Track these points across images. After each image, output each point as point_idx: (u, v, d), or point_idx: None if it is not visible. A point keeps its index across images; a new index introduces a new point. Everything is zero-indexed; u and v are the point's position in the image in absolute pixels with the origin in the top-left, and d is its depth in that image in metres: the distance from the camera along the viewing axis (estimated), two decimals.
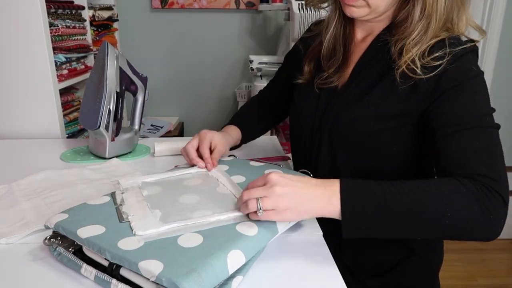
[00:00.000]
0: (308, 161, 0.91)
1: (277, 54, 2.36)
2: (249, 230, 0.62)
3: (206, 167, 0.86)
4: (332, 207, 0.62)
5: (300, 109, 0.92)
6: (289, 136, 1.02)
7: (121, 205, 0.69)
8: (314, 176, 0.73)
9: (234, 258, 0.56)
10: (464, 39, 0.77)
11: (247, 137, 1.09)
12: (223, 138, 0.94)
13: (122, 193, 0.74)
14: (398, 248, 0.87)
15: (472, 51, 0.75)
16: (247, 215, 0.65)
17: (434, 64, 0.73)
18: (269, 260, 0.65)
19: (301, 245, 0.70)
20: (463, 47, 0.73)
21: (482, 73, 0.74)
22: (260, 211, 0.61)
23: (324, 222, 0.75)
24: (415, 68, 0.74)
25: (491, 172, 0.63)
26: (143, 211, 0.66)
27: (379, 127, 0.79)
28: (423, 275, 0.91)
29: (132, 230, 0.60)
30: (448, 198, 0.60)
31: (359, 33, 0.89)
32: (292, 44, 2.00)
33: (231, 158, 0.95)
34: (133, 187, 0.77)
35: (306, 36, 1.01)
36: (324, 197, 0.62)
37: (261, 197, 0.62)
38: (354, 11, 0.79)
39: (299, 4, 1.88)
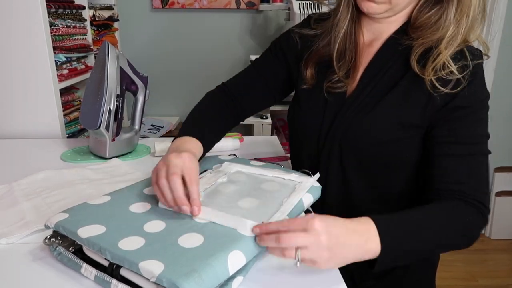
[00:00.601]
0: (316, 162, 0.86)
1: None
2: (250, 230, 0.61)
3: (192, 211, 0.65)
4: (369, 254, 0.61)
5: (305, 114, 0.88)
6: (289, 139, 0.98)
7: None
8: (323, 188, 0.80)
9: (235, 259, 0.55)
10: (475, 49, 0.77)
11: (207, 149, 0.86)
12: (193, 164, 0.72)
13: (210, 172, 0.79)
14: None
15: (482, 63, 0.76)
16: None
17: (453, 77, 0.73)
18: (270, 260, 0.65)
19: None
20: (479, 61, 0.74)
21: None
22: (298, 262, 0.56)
23: None
24: (448, 70, 0.72)
25: (485, 199, 0.73)
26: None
27: (392, 137, 0.77)
28: (420, 276, 0.91)
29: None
30: (457, 230, 0.70)
31: (366, 36, 0.85)
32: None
33: (231, 157, 0.95)
34: (224, 171, 0.81)
35: (305, 32, 0.91)
36: (362, 246, 0.61)
37: (301, 247, 0.56)
38: (372, 7, 0.75)
39: (299, 4, 1.88)
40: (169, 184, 0.65)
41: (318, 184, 0.79)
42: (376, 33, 0.83)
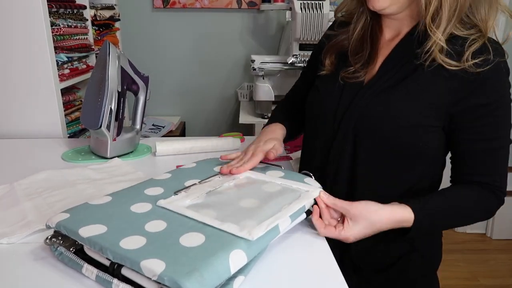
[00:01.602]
0: (327, 152, 0.88)
1: (279, 54, 2.36)
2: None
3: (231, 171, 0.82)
4: (400, 226, 0.77)
5: (323, 97, 0.91)
6: (305, 129, 1.02)
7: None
8: (333, 168, 0.87)
9: (236, 258, 0.55)
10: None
11: (288, 137, 1.03)
12: (279, 143, 0.92)
13: (219, 177, 0.81)
14: (400, 244, 0.88)
15: (506, 61, 0.78)
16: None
17: (477, 70, 0.74)
18: (271, 260, 0.65)
19: (303, 245, 0.70)
20: (503, 59, 0.76)
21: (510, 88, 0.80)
22: None
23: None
24: (452, 52, 0.75)
25: (505, 185, 0.82)
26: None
27: (409, 122, 0.79)
28: (422, 271, 0.92)
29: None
30: (479, 211, 0.84)
31: (388, 33, 0.89)
32: (295, 44, 1.99)
33: None
34: (233, 176, 0.81)
35: (330, 33, 0.99)
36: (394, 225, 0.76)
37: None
38: (375, 2, 0.79)
39: (301, 3, 1.88)
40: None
41: (321, 189, 0.78)
42: (396, 30, 0.87)
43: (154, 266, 0.51)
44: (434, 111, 0.78)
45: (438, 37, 0.75)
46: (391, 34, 0.88)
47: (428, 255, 0.92)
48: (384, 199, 0.82)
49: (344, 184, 0.87)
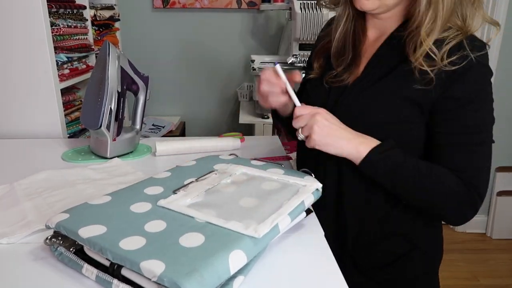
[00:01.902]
0: (316, 155, 0.87)
1: (279, 54, 2.36)
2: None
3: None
4: (356, 153, 0.77)
5: (312, 101, 0.90)
6: None
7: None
8: (323, 168, 0.89)
9: (236, 258, 0.55)
10: (478, 39, 0.78)
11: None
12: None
13: (215, 174, 0.81)
14: (401, 241, 0.89)
15: (486, 55, 0.77)
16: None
17: (452, 69, 0.75)
18: (271, 260, 0.65)
19: (302, 245, 0.70)
20: (480, 53, 0.75)
21: (490, 83, 0.78)
22: (301, 137, 0.79)
23: (332, 220, 0.89)
24: (433, 55, 0.75)
25: (481, 185, 0.78)
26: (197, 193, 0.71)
27: (390, 118, 0.80)
28: (423, 269, 0.92)
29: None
30: (442, 192, 0.78)
31: (372, 33, 0.89)
32: (294, 44, 1.99)
33: (232, 157, 0.95)
34: (229, 172, 0.81)
35: (321, 34, 1.01)
36: (354, 142, 0.77)
37: (302, 127, 0.78)
38: (364, 4, 0.80)
39: (300, 3, 1.88)
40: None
41: (320, 185, 0.78)
42: (381, 29, 0.87)
43: (154, 267, 0.51)
44: (414, 108, 0.79)
45: (428, 46, 0.75)
46: (376, 34, 0.89)
47: (429, 252, 0.92)
48: (371, 197, 0.85)
49: (333, 183, 0.88)
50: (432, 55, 0.75)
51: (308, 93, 0.96)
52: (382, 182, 0.80)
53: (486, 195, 0.80)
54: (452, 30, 0.77)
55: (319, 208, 0.81)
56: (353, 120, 0.82)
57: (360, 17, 0.89)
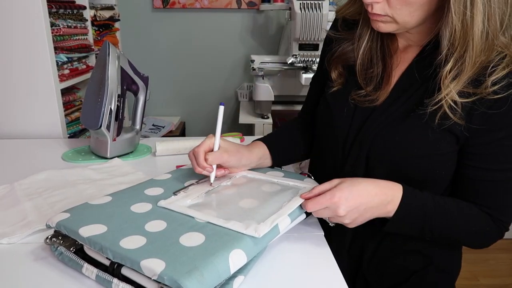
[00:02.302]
0: (329, 174, 0.79)
1: (279, 54, 2.36)
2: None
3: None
4: (385, 213, 0.70)
5: (333, 116, 0.82)
6: (313, 148, 0.95)
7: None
8: None
9: (236, 258, 0.56)
10: None
11: (277, 158, 0.90)
12: (231, 146, 0.80)
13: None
14: (416, 257, 0.83)
15: None
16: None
17: (494, 97, 0.66)
18: (271, 260, 0.65)
19: (302, 245, 0.70)
20: None
21: None
22: (331, 224, 0.72)
23: (347, 241, 0.85)
24: (455, 107, 0.67)
25: (510, 219, 0.74)
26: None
27: (423, 152, 0.72)
28: (439, 286, 0.86)
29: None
30: (471, 234, 0.74)
31: (401, 42, 0.79)
32: (294, 44, 1.99)
33: None
34: (229, 175, 0.81)
35: (334, 35, 0.86)
36: (383, 207, 0.69)
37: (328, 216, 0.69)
38: (381, 27, 0.72)
39: (300, 3, 1.88)
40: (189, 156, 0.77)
41: None
42: (409, 40, 0.78)
43: (154, 265, 0.52)
44: (452, 138, 0.71)
45: (451, 97, 0.66)
46: (404, 43, 0.79)
47: (446, 268, 0.85)
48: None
49: None
50: (453, 104, 0.67)
51: (330, 109, 0.83)
52: (411, 232, 0.74)
53: None
54: (496, 51, 0.66)
55: (335, 230, 0.78)
56: (380, 151, 0.75)
57: None
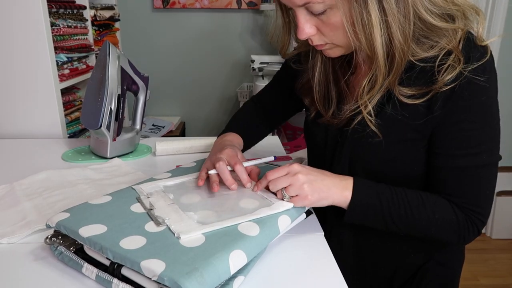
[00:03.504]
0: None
1: (279, 54, 2.36)
2: (251, 230, 0.61)
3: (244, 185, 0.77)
4: (343, 198, 0.71)
5: (313, 134, 0.89)
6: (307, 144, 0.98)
7: (151, 209, 0.67)
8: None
9: (236, 258, 0.56)
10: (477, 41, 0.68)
11: (248, 144, 1.00)
12: (234, 151, 0.83)
13: (148, 197, 0.72)
14: (415, 255, 0.84)
15: (488, 63, 0.68)
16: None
17: (447, 88, 0.67)
18: (271, 260, 0.65)
19: (302, 245, 0.70)
20: (479, 63, 0.66)
21: (495, 89, 0.71)
22: (287, 197, 0.70)
23: (346, 238, 0.85)
24: (370, 118, 0.72)
25: (483, 209, 0.72)
26: (177, 214, 0.65)
27: (395, 152, 0.75)
28: (442, 281, 0.85)
29: (174, 234, 0.59)
30: (437, 224, 0.72)
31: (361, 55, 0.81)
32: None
33: None
34: (157, 191, 0.75)
35: (297, 67, 0.91)
36: (339, 187, 0.71)
37: (285, 187, 0.69)
38: (330, 53, 0.75)
39: None
40: (217, 169, 0.76)
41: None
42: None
43: (154, 266, 0.52)
44: (417, 135, 0.73)
45: (364, 104, 0.72)
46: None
47: (447, 263, 0.85)
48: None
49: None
50: (406, 98, 0.70)
51: (313, 135, 0.89)
52: (374, 223, 0.73)
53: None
54: (440, 44, 0.68)
55: (335, 230, 0.81)
56: (360, 158, 0.78)
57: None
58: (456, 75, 0.67)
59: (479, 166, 0.70)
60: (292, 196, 0.70)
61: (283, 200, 0.70)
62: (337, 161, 0.82)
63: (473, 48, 0.68)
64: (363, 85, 0.72)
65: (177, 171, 0.86)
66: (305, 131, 0.94)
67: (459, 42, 0.68)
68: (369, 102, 0.72)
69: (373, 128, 0.73)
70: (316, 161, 0.91)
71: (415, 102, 0.70)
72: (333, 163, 0.83)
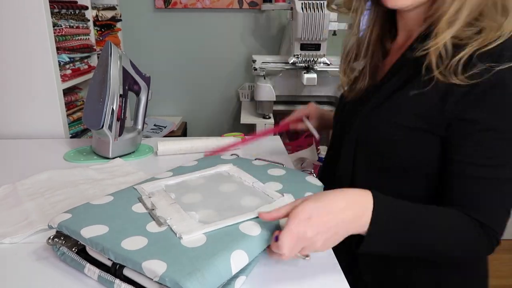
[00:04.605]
0: (335, 161, 0.84)
1: (280, 54, 2.36)
2: (252, 230, 0.61)
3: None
4: (361, 227, 0.60)
5: (335, 111, 0.96)
6: None
7: (153, 209, 0.67)
8: (337, 179, 0.81)
9: (238, 258, 0.56)
10: None
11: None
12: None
13: (150, 197, 0.72)
14: (425, 273, 0.77)
15: None
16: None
17: (471, 83, 0.61)
18: (272, 260, 0.65)
19: None
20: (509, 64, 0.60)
21: None
22: (306, 258, 0.59)
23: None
24: (444, 56, 0.64)
25: (499, 227, 0.65)
26: (179, 214, 0.65)
27: (400, 137, 0.70)
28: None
29: (176, 234, 0.59)
30: (456, 241, 0.65)
31: (401, 36, 0.80)
32: (296, 44, 1.98)
33: (234, 157, 0.95)
34: (158, 190, 0.75)
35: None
36: (356, 219, 0.60)
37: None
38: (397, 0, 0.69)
39: (302, 3, 1.88)
40: None
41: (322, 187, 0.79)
42: (409, 32, 0.78)
43: (156, 267, 0.52)
44: (425, 125, 0.67)
45: (444, 39, 0.63)
46: (403, 37, 0.80)
47: (472, 270, 0.79)
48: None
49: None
50: (444, 56, 0.63)
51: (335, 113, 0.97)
52: (391, 247, 0.64)
53: None
54: (486, 31, 0.62)
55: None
56: (364, 134, 0.76)
57: (383, 17, 0.82)
58: (483, 70, 0.61)
59: (504, 179, 0.63)
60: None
61: (301, 258, 0.60)
62: (345, 141, 0.81)
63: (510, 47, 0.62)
64: (445, 18, 0.63)
65: (179, 170, 0.86)
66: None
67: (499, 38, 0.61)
68: (448, 37, 0.63)
69: (438, 74, 0.64)
70: (331, 145, 0.94)
71: (447, 81, 0.63)
72: (342, 145, 0.82)
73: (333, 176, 0.84)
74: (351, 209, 0.59)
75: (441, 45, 0.63)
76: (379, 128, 0.73)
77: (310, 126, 1.06)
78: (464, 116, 0.64)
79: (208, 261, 0.53)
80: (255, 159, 0.93)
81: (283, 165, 0.88)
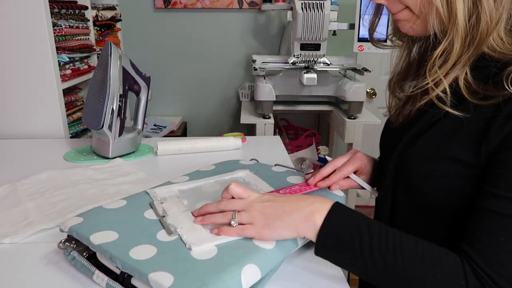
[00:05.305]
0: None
1: (280, 54, 2.36)
2: (267, 243, 0.59)
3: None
4: (311, 223, 0.58)
5: (381, 138, 0.84)
6: None
7: (163, 216, 0.65)
8: (378, 212, 0.76)
9: (249, 274, 0.53)
10: None
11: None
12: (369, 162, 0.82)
13: (162, 203, 0.70)
14: None
15: None
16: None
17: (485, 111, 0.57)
18: (286, 276, 0.61)
19: (318, 261, 0.62)
20: None
21: None
22: (233, 222, 0.60)
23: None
24: (444, 95, 0.60)
25: (500, 278, 0.53)
26: (190, 223, 0.63)
27: (438, 172, 0.62)
28: None
29: (185, 244, 0.58)
30: (434, 282, 0.53)
31: None
32: (296, 44, 1.99)
33: (253, 162, 0.92)
34: (171, 196, 0.73)
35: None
36: (306, 213, 0.58)
37: (238, 211, 0.61)
38: (402, 24, 0.66)
39: (302, 3, 1.88)
40: None
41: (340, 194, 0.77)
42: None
43: (162, 279, 0.50)
44: (467, 158, 0.59)
45: (435, 80, 0.60)
46: None
47: None
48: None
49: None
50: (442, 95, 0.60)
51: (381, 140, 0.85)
52: (344, 257, 0.58)
53: None
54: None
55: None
56: (402, 166, 0.69)
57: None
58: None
59: None
60: (244, 223, 0.60)
61: (229, 224, 0.60)
62: (384, 172, 0.74)
63: None
64: (435, 55, 0.60)
65: (195, 175, 0.84)
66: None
67: None
68: (444, 78, 0.59)
69: (449, 109, 0.60)
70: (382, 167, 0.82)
71: (482, 103, 0.57)
72: (382, 176, 0.75)
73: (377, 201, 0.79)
74: (304, 201, 0.61)
75: (432, 83, 0.61)
76: (415, 161, 0.66)
77: (363, 183, 0.81)
78: (500, 143, 0.56)
79: (218, 276, 0.51)
80: (275, 165, 0.90)
81: (304, 172, 0.85)
